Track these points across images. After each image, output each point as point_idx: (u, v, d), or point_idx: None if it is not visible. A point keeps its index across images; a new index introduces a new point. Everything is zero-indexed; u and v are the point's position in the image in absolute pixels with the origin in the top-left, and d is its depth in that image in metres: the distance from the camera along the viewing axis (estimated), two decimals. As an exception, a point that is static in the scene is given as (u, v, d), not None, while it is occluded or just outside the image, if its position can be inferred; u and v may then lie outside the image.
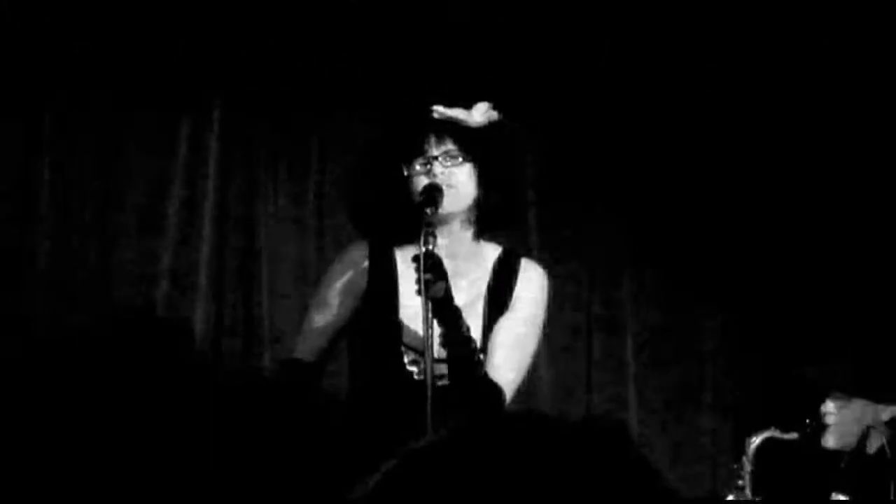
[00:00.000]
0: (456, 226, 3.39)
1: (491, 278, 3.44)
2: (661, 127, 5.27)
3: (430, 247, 3.15)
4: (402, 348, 3.36)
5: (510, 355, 3.40)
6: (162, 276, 4.82)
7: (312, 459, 3.69)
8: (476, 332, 3.35)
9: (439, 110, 3.38)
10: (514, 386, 3.40)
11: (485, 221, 3.42)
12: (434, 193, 3.27)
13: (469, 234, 3.42)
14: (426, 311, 3.12)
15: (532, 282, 3.47)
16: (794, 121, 5.26)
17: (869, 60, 5.10)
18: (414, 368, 3.35)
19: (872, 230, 5.19)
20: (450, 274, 3.22)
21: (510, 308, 3.42)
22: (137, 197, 4.82)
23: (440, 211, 3.27)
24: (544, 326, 3.51)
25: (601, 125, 5.24)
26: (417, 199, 3.30)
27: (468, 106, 3.41)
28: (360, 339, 3.45)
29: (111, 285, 4.75)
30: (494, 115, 3.40)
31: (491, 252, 3.47)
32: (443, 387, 3.25)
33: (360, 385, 3.47)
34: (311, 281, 4.53)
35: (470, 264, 3.43)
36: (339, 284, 3.47)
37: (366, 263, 3.45)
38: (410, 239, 3.29)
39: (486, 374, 3.35)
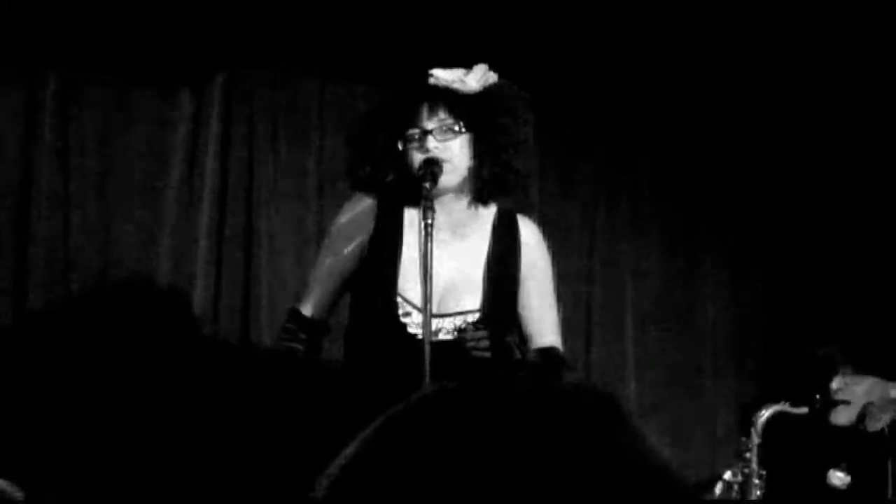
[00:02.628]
0: (451, 196, 3.40)
1: (490, 241, 3.45)
2: (670, 101, 5.23)
3: (430, 221, 3.17)
4: (398, 299, 3.36)
5: (553, 319, 3.51)
6: (162, 252, 4.79)
7: (307, 428, 3.68)
8: (476, 297, 3.37)
9: (437, 74, 3.39)
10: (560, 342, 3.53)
11: (480, 191, 3.42)
12: (432, 168, 3.29)
13: (465, 202, 3.43)
14: (428, 267, 3.16)
15: (538, 243, 3.51)
16: (802, 105, 5.23)
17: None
18: (407, 321, 3.36)
19: (883, 210, 5.16)
20: (448, 242, 3.33)
21: (527, 275, 3.46)
22: (137, 172, 4.78)
23: (437, 185, 3.30)
24: None
25: (608, 90, 5.18)
26: (416, 173, 3.32)
27: (469, 67, 3.40)
28: (360, 288, 3.46)
29: (109, 261, 4.72)
30: (492, 78, 3.39)
31: (487, 215, 3.48)
32: (438, 343, 3.28)
33: (355, 341, 3.48)
34: (309, 259, 4.49)
35: (466, 229, 3.44)
36: (348, 227, 3.49)
37: (375, 211, 3.46)
38: (413, 204, 3.37)
39: (544, 349, 3.46)
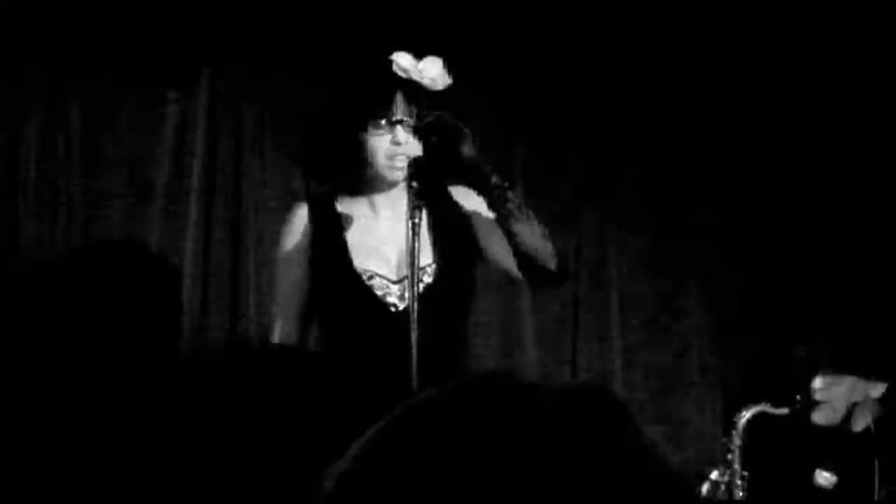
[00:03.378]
0: (401, 184, 3.51)
1: (429, 211, 3.51)
2: (657, 95, 5.23)
3: (417, 220, 3.22)
4: (358, 270, 3.49)
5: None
6: (149, 248, 4.79)
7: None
8: (427, 255, 3.47)
9: (400, 62, 3.46)
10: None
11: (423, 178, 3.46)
12: (423, 168, 3.33)
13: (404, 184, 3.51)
14: (416, 267, 3.24)
15: (469, 194, 3.57)
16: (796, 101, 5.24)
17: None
18: (371, 283, 3.48)
19: (862, 208, 5.17)
20: (391, 219, 3.52)
21: (476, 224, 3.56)
22: (124, 173, 4.79)
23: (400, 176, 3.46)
24: None
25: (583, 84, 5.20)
26: (386, 169, 3.49)
27: (419, 55, 3.49)
28: (319, 287, 3.56)
29: (96, 262, 4.72)
30: (447, 74, 3.47)
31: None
32: (404, 310, 3.40)
33: (331, 330, 3.58)
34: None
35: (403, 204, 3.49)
36: (291, 249, 3.61)
37: (307, 215, 3.60)
38: (353, 191, 3.56)
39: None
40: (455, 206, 3.59)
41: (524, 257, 3.45)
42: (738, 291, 5.31)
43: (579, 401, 1.32)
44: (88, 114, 4.76)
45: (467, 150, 3.35)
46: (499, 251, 3.52)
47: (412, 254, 3.24)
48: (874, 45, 5.05)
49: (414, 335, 3.20)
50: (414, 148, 3.43)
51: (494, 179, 3.39)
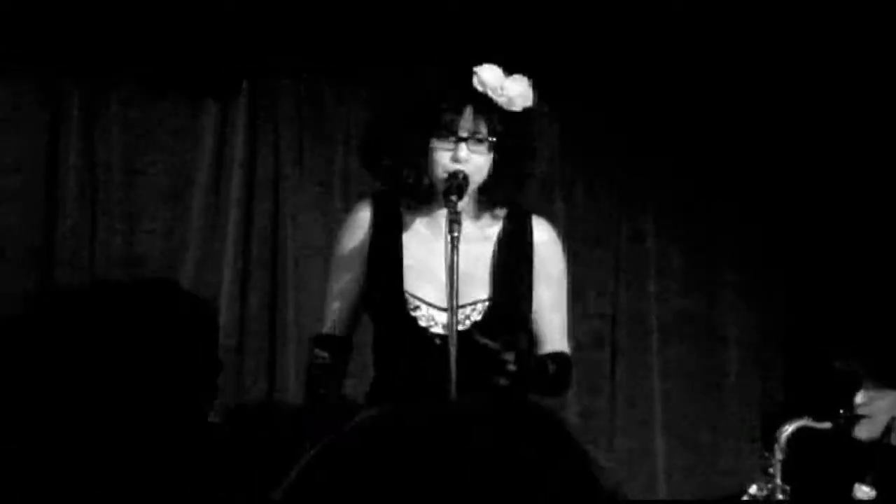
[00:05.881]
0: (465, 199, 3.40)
1: (501, 237, 3.46)
2: (691, 107, 5.20)
3: (455, 234, 3.17)
4: (406, 295, 3.39)
5: (563, 322, 3.52)
6: (187, 259, 4.80)
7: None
8: (485, 288, 3.39)
9: (480, 75, 3.33)
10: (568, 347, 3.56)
11: (491, 193, 3.43)
12: (461, 183, 3.28)
13: (474, 201, 3.43)
14: (455, 281, 3.14)
15: (552, 242, 3.52)
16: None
17: None
18: (417, 315, 3.39)
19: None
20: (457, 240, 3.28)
21: (539, 274, 3.46)
22: (162, 182, 4.80)
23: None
24: None
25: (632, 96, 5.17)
26: (442, 183, 3.35)
27: (507, 68, 3.36)
28: (370, 295, 3.48)
29: (133, 270, 4.74)
30: (531, 97, 3.36)
31: (499, 213, 3.49)
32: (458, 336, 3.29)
33: (379, 348, 3.51)
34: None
35: (474, 227, 3.43)
36: (349, 246, 3.50)
37: (371, 219, 3.49)
38: (423, 201, 3.41)
39: (553, 354, 3.47)
40: (530, 239, 3.49)
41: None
42: (778, 304, 5.28)
43: (522, 419, 1.32)
44: (127, 126, 4.76)
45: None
46: (538, 308, 3.46)
47: (451, 272, 3.15)
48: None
49: (452, 363, 3.13)
50: (477, 166, 3.33)
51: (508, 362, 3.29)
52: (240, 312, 4.83)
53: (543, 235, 3.50)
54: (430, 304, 3.38)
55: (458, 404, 1.39)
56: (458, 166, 3.32)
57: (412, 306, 3.39)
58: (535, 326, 3.48)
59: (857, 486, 4.16)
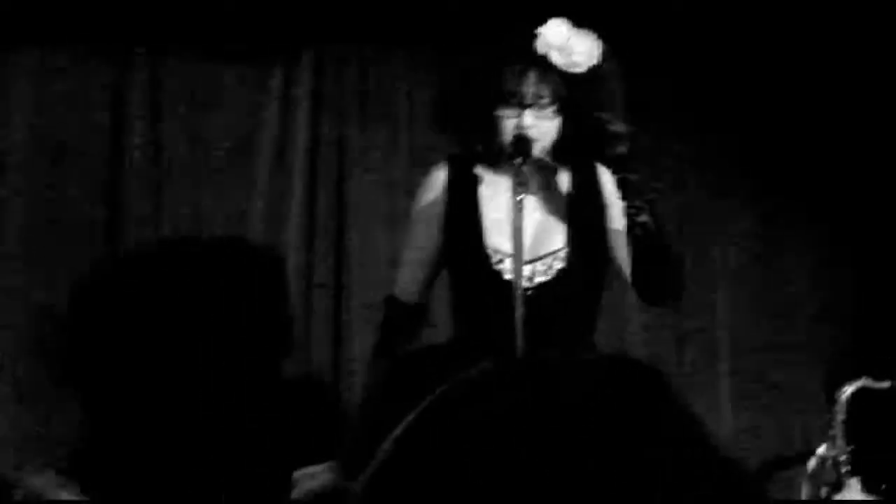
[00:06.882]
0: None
1: (571, 187, 3.48)
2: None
3: (520, 198, 3.20)
4: (488, 250, 3.41)
5: None
6: (253, 226, 4.86)
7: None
8: (561, 236, 3.43)
9: (549, 37, 3.31)
10: None
11: (562, 154, 3.45)
12: (524, 147, 3.31)
13: (548, 155, 3.45)
14: (519, 234, 3.18)
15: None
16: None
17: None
18: (501, 268, 3.41)
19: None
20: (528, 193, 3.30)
21: (613, 217, 3.44)
22: (228, 150, 4.86)
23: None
24: None
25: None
26: (507, 148, 3.35)
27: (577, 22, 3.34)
28: (450, 255, 3.51)
29: (199, 237, 4.81)
30: (597, 54, 3.34)
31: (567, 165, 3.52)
32: (535, 289, 3.36)
33: (459, 306, 3.53)
34: (400, 233, 4.54)
35: (548, 180, 3.48)
36: (425, 208, 3.54)
37: (446, 182, 3.51)
38: (493, 163, 3.45)
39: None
40: (599, 187, 3.49)
41: (642, 278, 3.36)
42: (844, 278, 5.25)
43: (612, 376, 1.31)
44: (192, 93, 4.83)
45: (617, 147, 3.27)
46: (623, 255, 3.41)
47: (516, 232, 3.19)
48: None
49: (519, 313, 3.17)
50: (543, 131, 3.34)
51: (636, 193, 3.27)
52: (307, 277, 4.88)
53: (610, 180, 3.47)
54: (509, 256, 3.36)
55: (562, 358, 1.37)
56: (523, 132, 3.33)
57: (496, 260, 3.42)
58: (616, 262, 3.47)
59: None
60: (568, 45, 3.29)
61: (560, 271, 3.42)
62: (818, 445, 4.29)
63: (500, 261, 3.42)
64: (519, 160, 3.28)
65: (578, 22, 3.36)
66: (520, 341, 3.16)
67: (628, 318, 5.02)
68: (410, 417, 1.30)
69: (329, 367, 4.85)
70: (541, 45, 3.31)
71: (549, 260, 3.43)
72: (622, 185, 3.28)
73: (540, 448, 1.23)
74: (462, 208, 3.49)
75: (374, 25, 4.90)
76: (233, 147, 4.86)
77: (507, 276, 3.37)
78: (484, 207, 3.47)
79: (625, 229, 3.32)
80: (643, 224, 3.27)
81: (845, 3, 4.99)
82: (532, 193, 3.40)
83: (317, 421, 4.63)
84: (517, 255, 3.21)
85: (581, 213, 3.48)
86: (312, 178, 4.91)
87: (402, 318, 3.60)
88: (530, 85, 3.35)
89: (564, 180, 3.51)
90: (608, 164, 3.38)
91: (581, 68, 3.32)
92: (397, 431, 1.30)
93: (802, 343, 5.21)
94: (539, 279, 3.41)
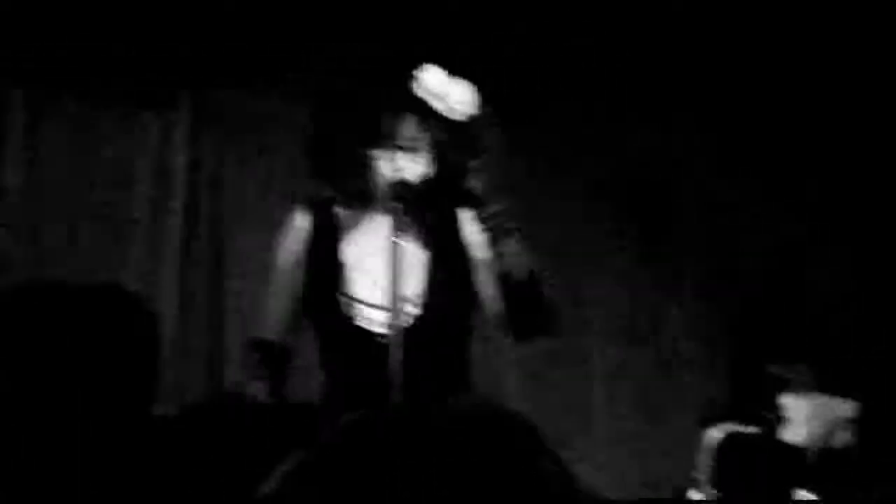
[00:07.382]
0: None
1: (432, 232, 3.42)
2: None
3: (396, 241, 3.16)
4: (343, 296, 3.37)
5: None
6: (129, 272, 4.84)
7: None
8: (418, 281, 3.37)
9: (427, 81, 3.28)
10: None
11: (433, 199, 3.39)
12: (406, 191, 3.28)
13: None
14: (395, 275, 3.14)
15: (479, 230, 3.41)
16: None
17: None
18: (352, 314, 3.36)
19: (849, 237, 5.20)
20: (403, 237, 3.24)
21: (474, 257, 3.41)
22: (103, 195, 4.84)
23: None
24: None
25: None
26: (383, 191, 3.30)
27: (453, 71, 3.30)
28: (308, 297, 3.46)
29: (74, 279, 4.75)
30: (475, 106, 3.29)
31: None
32: (395, 335, 3.25)
33: (322, 349, 3.47)
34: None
35: (410, 224, 3.40)
36: (285, 252, 3.48)
37: (308, 225, 3.46)
38: (358, 204, 3.37)
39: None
40: (459, 234, 3.45)
41: (509, 319, 3.30)
42: (723, 314, 5.31)
43: (496, 427, 1.33)
44: (69, 137, 4.80)
45: (476, 182, 3.21)
46: (489, 292, 3.37)
47: (392, 276, 3.14)
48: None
49: (395, 358, 3.11)
50: (415, 174, 3.30)
51: (494, 206, 3.23)
52: (181, 321, 4.86)
53: (470, 226, 3.43)
54: (369, 305, 3.36)
55: (439, 407, 1.37)
56: (398, 175, 3.31)
57: (351, 304, 3.40)
58: (482, 299, 3.41)
59: (796, 491, 4.19)
60: (446, 89, 3.29)
61: (418, 318, 3.36)
62: (691, 490, 4.32)
63: (355, 305, 3.38)
64: (397, 204, 3.26)
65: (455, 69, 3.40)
66: (392, 389, 3.12)
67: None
68: (285, 467, 1.32)
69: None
70: (418, 88, 3.30)
71: (408, 306, 3.42)
72: (484, 222, 3.25)
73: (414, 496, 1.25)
74: (321, 251, 3.45)
75: (250, 69, 4.90)
76: (109, 193, 4.83)
77: (361, 322, 3.35)
78: (343, 250, 3.45)
79: (490, 264, 3.31)
80: (507, 266, 3.25)
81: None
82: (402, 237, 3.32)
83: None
84: (393, 298, 3.18)
85: (443, 257, 3.44)
86: (191, 221, 4.89)
87: (267, 359, 3.55)
88: (407, 129, 3.34)
89: (425, 223, 3.52)
90: (469, 203, 3.38)
91: (456, 116, 3.32)
92: (272, 480, 1.32)
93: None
94: (397, 324, 3.28)
